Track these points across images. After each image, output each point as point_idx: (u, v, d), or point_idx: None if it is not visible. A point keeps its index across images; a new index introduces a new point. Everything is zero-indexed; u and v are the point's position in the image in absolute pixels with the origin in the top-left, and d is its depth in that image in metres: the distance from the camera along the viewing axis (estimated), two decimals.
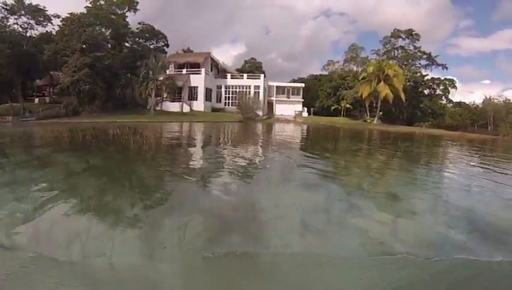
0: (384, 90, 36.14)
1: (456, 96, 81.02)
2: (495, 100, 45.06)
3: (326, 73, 52.29)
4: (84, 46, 30.38)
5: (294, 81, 58.76)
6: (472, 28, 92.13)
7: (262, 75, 40.90)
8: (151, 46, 40.84)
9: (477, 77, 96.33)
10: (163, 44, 41.88)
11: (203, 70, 37.74)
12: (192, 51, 47.60)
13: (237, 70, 53.31)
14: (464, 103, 49.60)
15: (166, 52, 42.00)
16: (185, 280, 2.41)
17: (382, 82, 36.86)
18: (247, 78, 40.62)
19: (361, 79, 39.04)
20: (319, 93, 50.57)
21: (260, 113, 38.72)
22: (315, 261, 2.66)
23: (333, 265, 2.65)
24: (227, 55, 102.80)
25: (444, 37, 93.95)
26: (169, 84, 32.92)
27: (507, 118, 42.31)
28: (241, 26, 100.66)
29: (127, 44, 39.03)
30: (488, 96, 45.64)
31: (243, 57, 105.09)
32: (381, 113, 45.01)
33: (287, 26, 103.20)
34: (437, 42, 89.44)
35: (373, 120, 43.26)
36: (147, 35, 40.69)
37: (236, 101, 34.83)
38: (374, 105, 46.08)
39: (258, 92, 39.87)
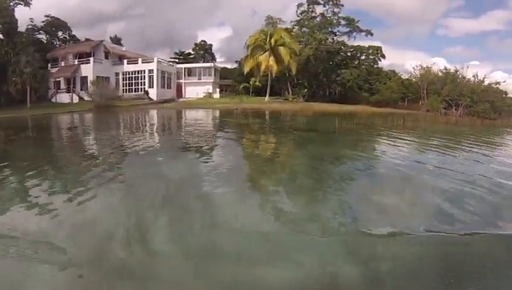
0: (264, 62, 32.21)
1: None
2: (430, 70, 37.10)
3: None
4: None
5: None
6: (462, 9, 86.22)
7: (155, 58, 39.09)
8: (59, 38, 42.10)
9: (466, 58, 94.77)
10: (67, 35, 42.57)
11: (91, 59, 37.29)
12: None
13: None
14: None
15: (67, 42, 42.54)
16: None
17: (266, 52, 32.93)
18: (142, 62, 39.18)
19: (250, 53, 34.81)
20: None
21: (148, 97, 37.65)
22: None
23: None
24: (214, 39, 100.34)
25: (435, 18, 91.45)
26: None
27: (442, 90, 35.04)
28: (227, 9, 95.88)
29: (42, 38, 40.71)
30: (418, 66, 37.66)
31: (230, 40, 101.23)
32: (305, 90, 40.75)
33: (273, 8, 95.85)
34: (429, 22, 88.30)
35: (294, 98, 39.38)
36: (53, 28, 41.67)
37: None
38: (296, 81, 42.02)
39: (152, 75, 38.62)
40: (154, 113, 26.43)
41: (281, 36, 32.30)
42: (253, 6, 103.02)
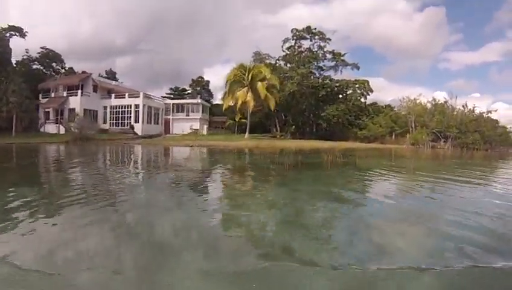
0: (241, 98, 31.81)
1: None
2: (417, 102, 36.25)
3: None
4: None
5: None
6: (462, 42, 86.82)
7: (141, 93, 39.51)
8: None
9: (467, 91, 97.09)
10: (60, 67, 44.17)
11: (79, 92, 38.00)
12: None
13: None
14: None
15: (59, 74, 43.77)
16: None
17: (245, 88, 32.72)
18: (129, 97, 39.70)
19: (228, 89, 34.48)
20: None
21: (133, 132, 37.49)
22: None
23: None
24: (219, 75, 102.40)
25: (436, 52, 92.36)
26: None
27: (431, 122, 33.94)
28: (233, 48, 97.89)
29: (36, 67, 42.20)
30: (405, 98, 36.91)
31: None
32: (293, 127, 40.12)
33: (279, 46, 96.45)
34: (430, 57, 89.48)
35: (282, 135, 38.65)
36: (48, 60, 43.32)
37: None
38: (283, 118, 41.61)
39: (138, 110, 38.87)
40: (117, 148, 25.68)
41: (261, 71, 32.21)
42: (259, 43, 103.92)
